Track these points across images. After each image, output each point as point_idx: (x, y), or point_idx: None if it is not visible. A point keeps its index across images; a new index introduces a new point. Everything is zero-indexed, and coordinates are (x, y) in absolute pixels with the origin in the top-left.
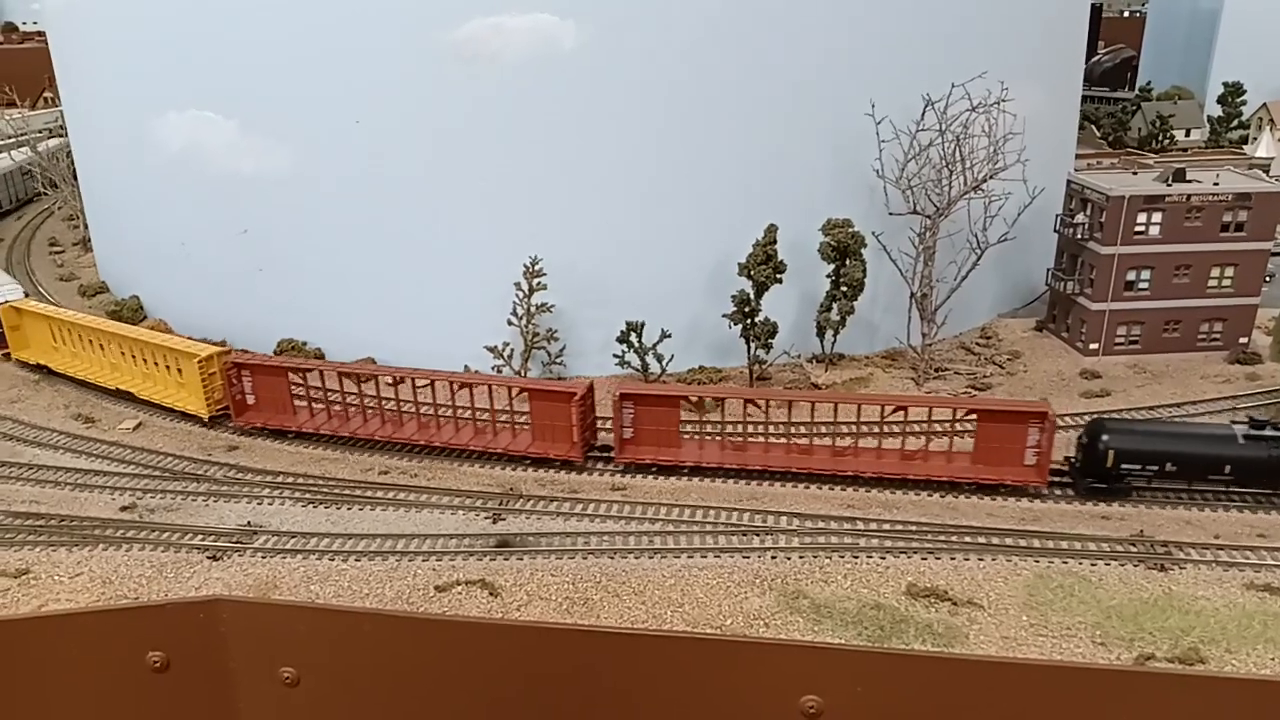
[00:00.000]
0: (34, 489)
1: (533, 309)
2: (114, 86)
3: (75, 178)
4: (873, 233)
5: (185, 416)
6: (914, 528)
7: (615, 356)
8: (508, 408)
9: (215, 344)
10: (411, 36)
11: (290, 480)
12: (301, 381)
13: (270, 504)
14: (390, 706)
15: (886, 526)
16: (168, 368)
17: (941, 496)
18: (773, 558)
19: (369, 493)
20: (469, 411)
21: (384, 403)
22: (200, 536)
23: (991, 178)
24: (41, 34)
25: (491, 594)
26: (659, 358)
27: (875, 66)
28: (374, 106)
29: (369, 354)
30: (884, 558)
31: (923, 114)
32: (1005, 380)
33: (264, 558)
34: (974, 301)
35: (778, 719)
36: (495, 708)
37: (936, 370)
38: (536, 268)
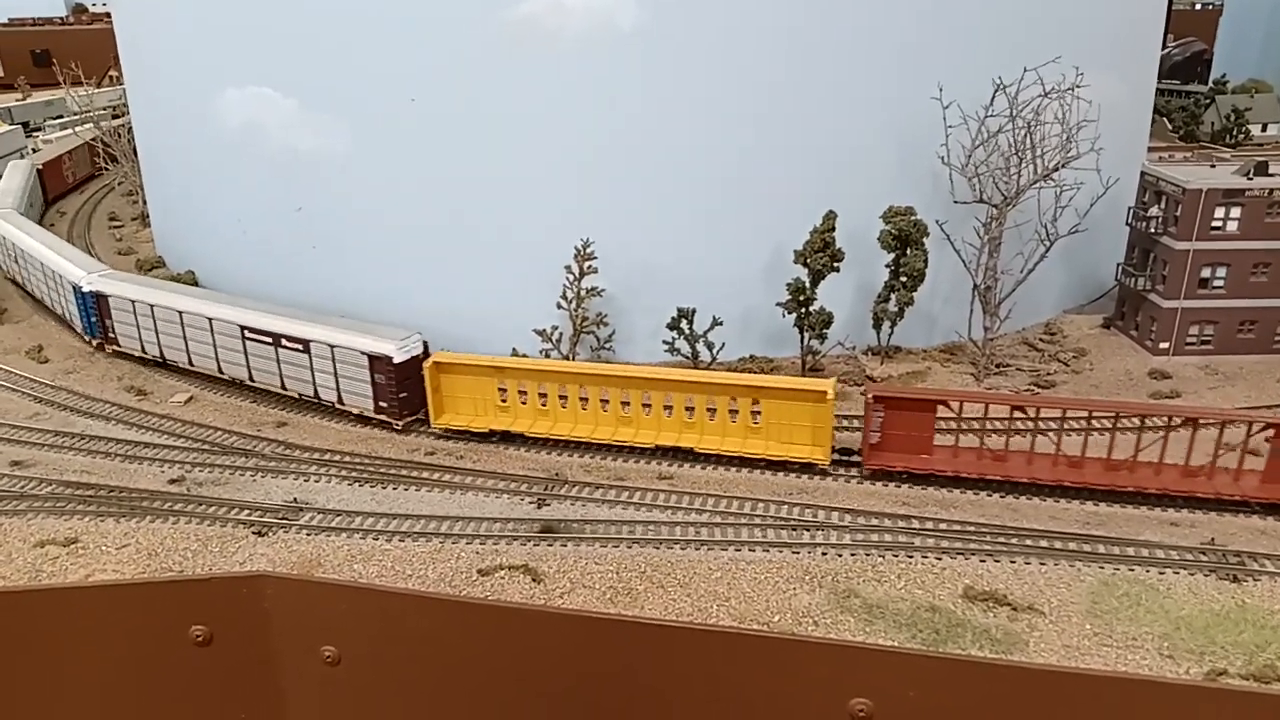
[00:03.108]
0: (86, 459)
1: (583, 293)
2: (176, 64)
3: (136, 154)
4: (936, 221)
5: (239, 388)
6: (971, 528)
7: (665, 343)
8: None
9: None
10: (470, 16)
11: (336, 458)
12: (951, 413)
13: (316, 481)
14: (430, 688)
15: (943, 526)
16: (732, 411)
17: (1001, 497)
18: (823, 554)
19: (414, 473)
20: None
21: (1037, 437)
22: (246, 511)
23: (1063, 166)
24: (109, 15)
25: (534, 580)
26: (709, 345)
27: (944, 49)
28: (430, 86)
29: (414, 333)
30: (940, 558)
31: (992, 99)
32: (1070, 379)
33: (309, 535)
34: (1038, 296)
35: None
36: (536, 695)
37: (998, 366)
38: (588, 250)
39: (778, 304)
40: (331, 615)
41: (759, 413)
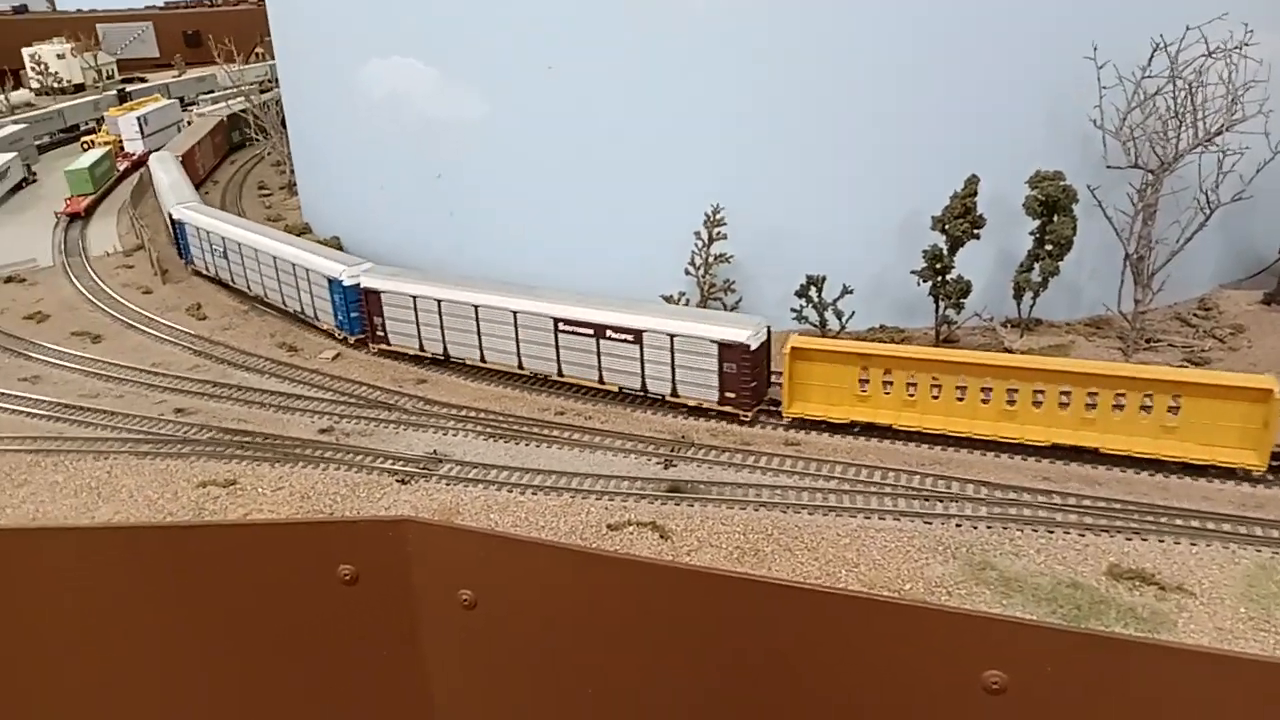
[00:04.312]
0: (242, 409)
1: (711, 259)
2: (323, 37)
3: (284, 125)
4: (1088, 187)
5: (382, 350)
6: (1117, 505)
7: (793, 311)
8: None
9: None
10: None
11: (473, 414)
12: None
13: (454, 435)
14: (561, 635)
15: (1087, 502)
16: (1146, 407)
17: (1150, 475)
18: (957, 525)
19: (545, 431)
20: None
21: None
22: (390, 461)
23: (1227, 130)
24: None
25: (662, 536)
26: (839, 314)
27: (1099, 5)
28: (566, 53)
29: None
30: (1083, 534)
31: (1150, 58)
32: (1225, 356)
33: (448, 485)
34: (1193, 269)
35: (957, 691)
36: (664, 647)
37: (1148, 341)
38: (718, 217)
39: (912, 271)
40: (469, 560)
41: (1177, 409)
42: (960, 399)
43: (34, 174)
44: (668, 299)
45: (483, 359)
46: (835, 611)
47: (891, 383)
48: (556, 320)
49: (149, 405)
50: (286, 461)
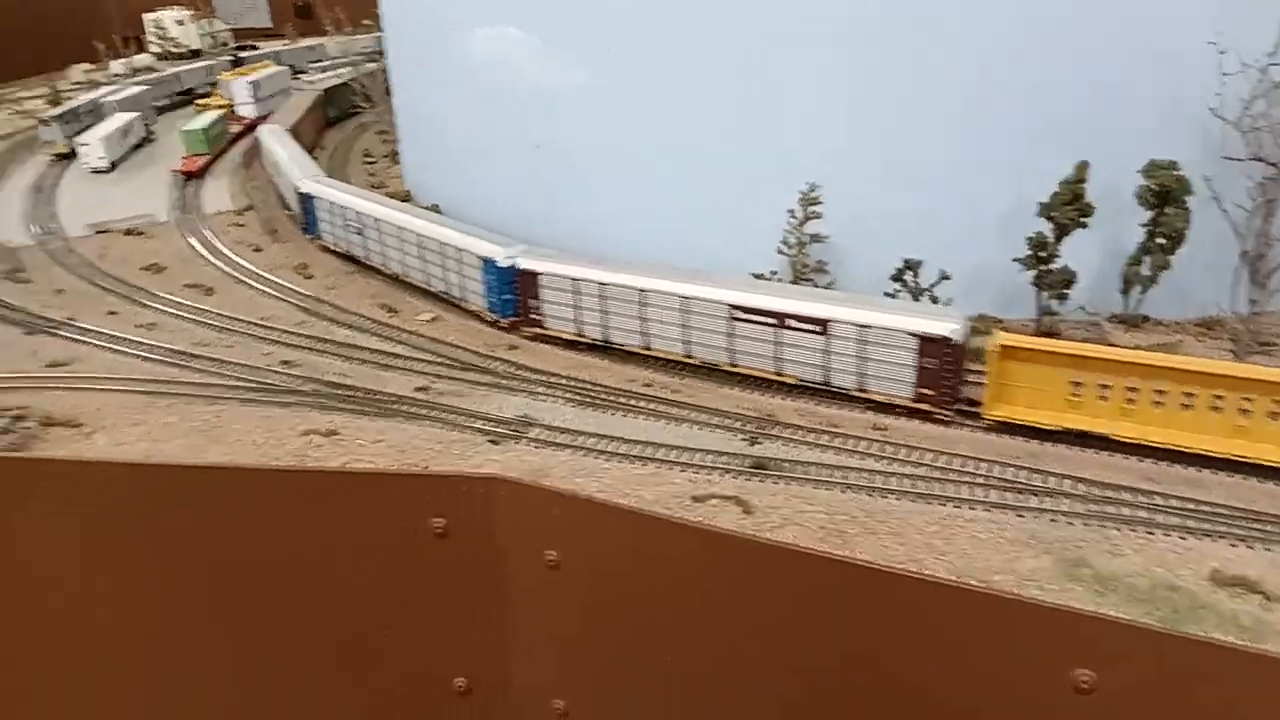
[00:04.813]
0: (343, 364)
1: (805, 239)
2: (429, 4)
3: (388, 95)
4: (1204, 178)
5: (474, 315)
6: (1224, 511)
7: (887, 295)
8: None
9: None
10: None
11: (562, 381)
12: None
13: (543, 401)
14: (644, 602)
15: (1190, 505)
16: None
17: (1260, 481)
18: (1051, 520)
19: (632, 401)
20: None
21: None
22: (482, 421)
23: None
24: None
25: (745, 512)
26: (935, 300)
27: None
28: (672, 24)
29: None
30: (1184, 538)
31: (1278, 46)
32: None
33: (536, 448)
34: None
35: (1043, 688)
36: (745, 622)
37: (1262, 344)
38: (813, 195)
39: (1015, 259)
40: (556, 521)
41: None
42: (1187, 406)
43: (153, 134)
44: (759, 277)
45: (647, 347)
46: (922, 597)
47: (1109, 387)
48: (732, 307)
49: (257, 356)
50: (385, 416)
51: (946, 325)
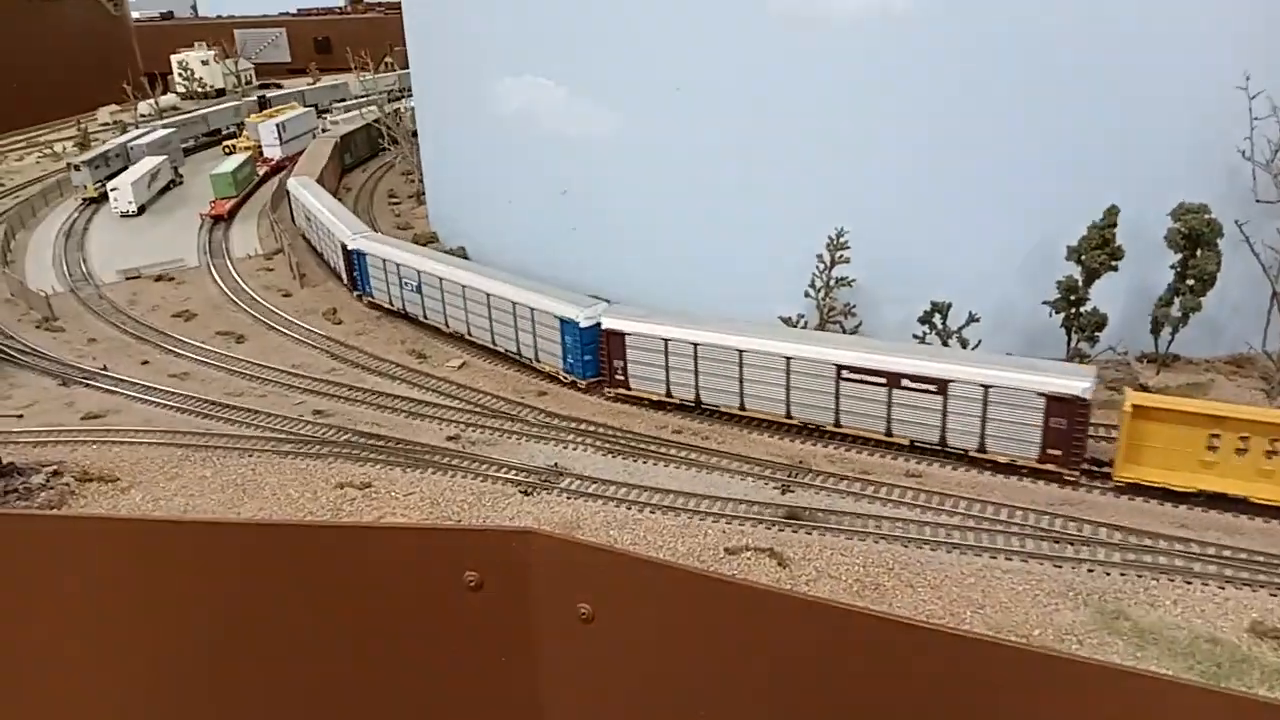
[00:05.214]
0: (375, 413)
1: (832, 282)
2: (459, 53)
3: (414, 136)
4: (1235, 221)
5: (503, 359)
6: (1260, 558)
7: (915, 338)
8: None
9: None
10: (738, 2)
11: (592, 428)
12: None
13: (574, 449)
14: (677, 658)
15: (1227, 553)
16: None
17: None
18: (1089, 570)
19: (663, 449)
20: None
21: None
22: (513, 472)
23: None
24: (381, 4)
25: (780, 564)
26: (963, 343)
27: (1252, 32)
28: (695, 73)
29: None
30: (1223, 587)
31: None
32: None
33: (568, 498)
34: None
35: None
36: (786, 682)
37: None
38: (841, 240)
39: (1045, 302)
40: (590, 574)
41: None
42: None
43: (180, 176)
44: (786, 320)
45: (742, 407)
46: (965, 657)
47: (1247, 450)
48: (840, 367)
49: (290, 405)
50: (417, 467)
51: (1078, 384)
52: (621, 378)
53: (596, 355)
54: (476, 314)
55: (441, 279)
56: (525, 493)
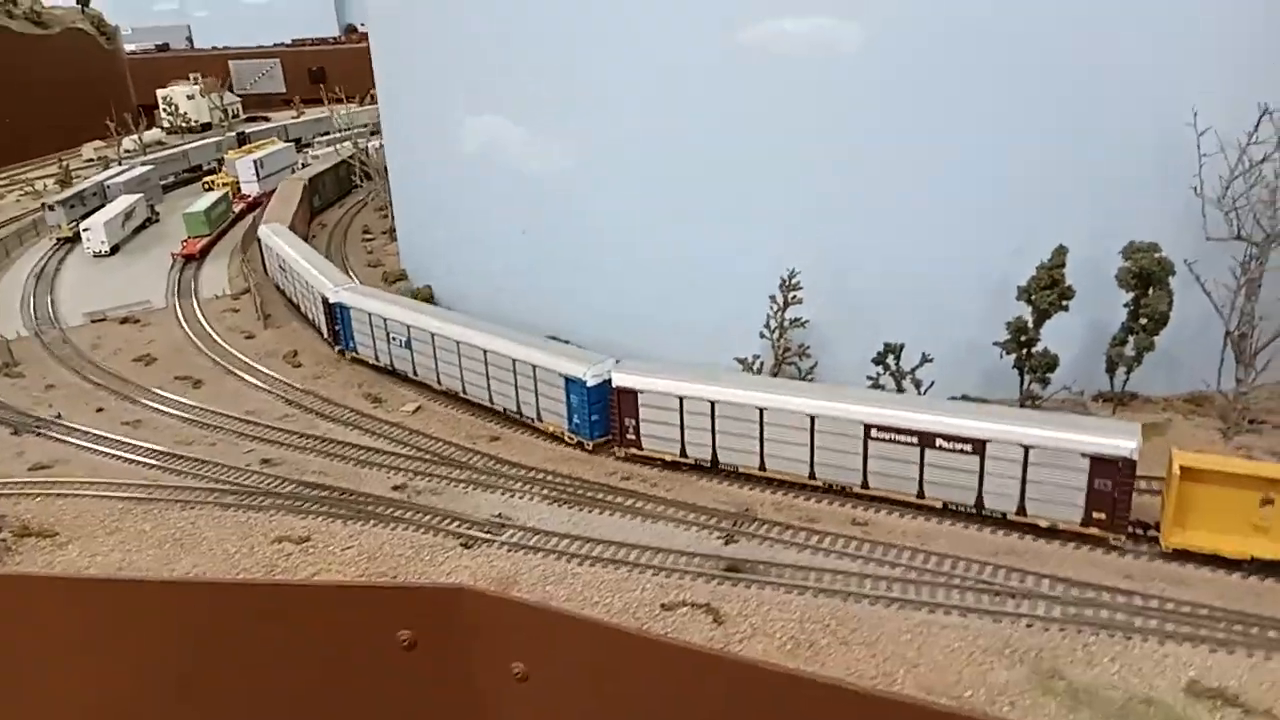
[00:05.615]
0: (324, 461)
1: (786, 323)
2: (421, 90)
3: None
4: (1184, 261)
5: (458, 401)
6: (1204, 611)
7: (869, 378)
8: None
9: None
10: (691, 44)
11: (539, 475)
12: None
13: (520, 498)
14: (611, 714)
15: (1170, 606)
16: None
17: (1244, 578)
18: (1028, 625)
19: (609, 497)
20: None
21: None
22: (456, 523)
23: None
24: None
25: (716, 621)
26: (917, 383)
27: (1201, 67)
28: (650, 116)
29: (624, 356)
30: (1163, 643)
31: (1257, 124)
32: None
33: (509, 551)
34: None
35: None
36: None
37: (1251, 422)
38: (793, 281)
39: (995, 343)
40: (523, 633)
41: None
42: None
43: (157, 214)
44: (741, 362)
45: (762, 467)
46: (889, 717)
47: None
48: (868, 426)
49: (238, 454)
50: (359, 519)
51: (1125, 444)
52: (633, 437)
53: (605, 414)
54: (472, 370)
55: (434, 334)
56: (466, 545)
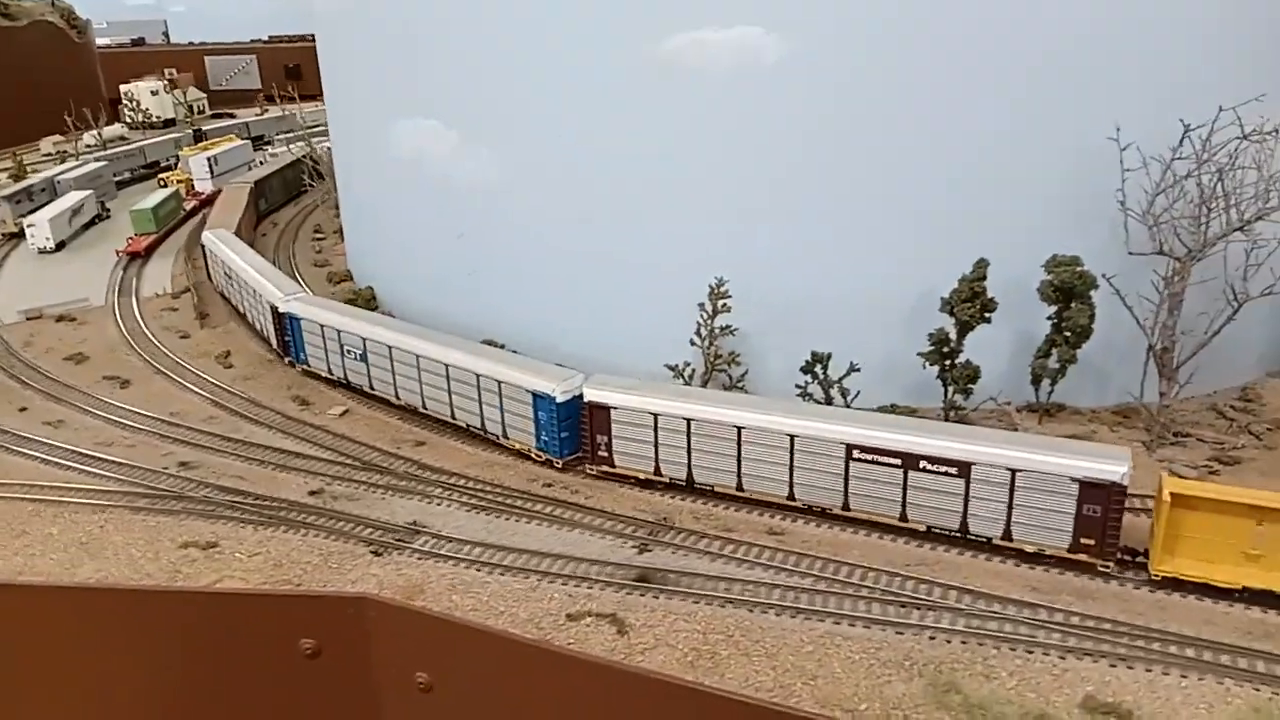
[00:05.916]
0: (243, 465)
1: (716, 331)
2: (359, 93)
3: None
4: (1104, 275)
5: (386, 405)
6: (1107, 625)
7: (798, 387)
8: None
9: None
10: (617, 53)
11: (461, 482)
12: None
13: (438, 504)
14: None
15: (1075, 619)
16: None
17: (1150, 592)
18: (930, 638)
19: (528, 504)
20: None
21: None
22: (370, 530)
23: (1260, 219)
24: None
25: (619, 632)
26: (844, 393)
27: (1123, 83)
28: (577, 125)
29: (557, 361)
30: (1064, 657)
31: (1180, 140)
32: (1260, 455)
33: (419, 559)
34: (1236, 357)
35: None
36: None
37: (1175, 435)
38: (722, 289)
39: (918, 354)
40: (427, 643)
41: None
42: None
43: (108, 210)
44: (673, 369)
45: (740, 487)
46: None
47: None
48: (850, 447)
49: (156, 457)
50: (270, 525)
51: (1114, 468)
52: (605, 454)
53: (575, 431)
54: (433, 386)
55: (391, 347)
56: (376, 553)
